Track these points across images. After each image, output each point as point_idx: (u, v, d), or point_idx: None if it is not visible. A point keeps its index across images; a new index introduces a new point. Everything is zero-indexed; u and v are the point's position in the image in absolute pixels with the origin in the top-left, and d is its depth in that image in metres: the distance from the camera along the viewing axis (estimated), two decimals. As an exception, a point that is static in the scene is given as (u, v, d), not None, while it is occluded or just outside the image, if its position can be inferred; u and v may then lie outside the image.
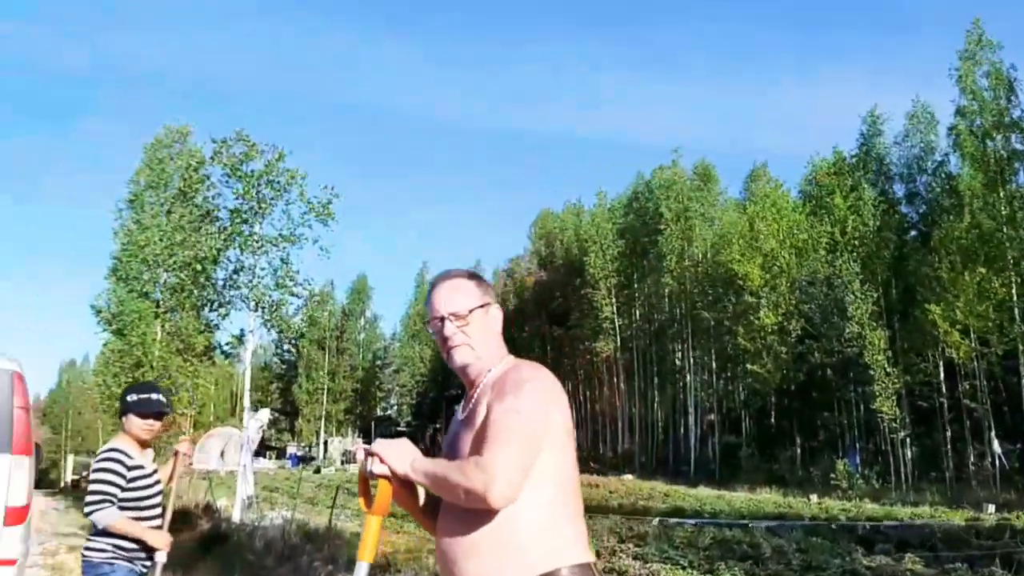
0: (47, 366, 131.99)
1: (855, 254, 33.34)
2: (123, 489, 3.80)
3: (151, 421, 3.96)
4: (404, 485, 2.00)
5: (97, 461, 3.85)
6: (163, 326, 21.58)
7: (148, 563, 3.94)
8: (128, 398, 3.99)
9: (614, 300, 48.67)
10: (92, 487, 3.78)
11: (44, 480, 41.34)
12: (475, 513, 1.84)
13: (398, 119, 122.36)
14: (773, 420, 39.69)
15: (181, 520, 14.44)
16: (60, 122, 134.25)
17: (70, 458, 52.34)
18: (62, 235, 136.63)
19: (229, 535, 12.02)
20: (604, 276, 48.13)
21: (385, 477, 1.95)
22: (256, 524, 12.18)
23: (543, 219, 60.81)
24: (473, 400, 2.01)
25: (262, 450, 57.88)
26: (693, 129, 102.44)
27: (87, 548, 3.83)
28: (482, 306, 2.07)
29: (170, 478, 4.38)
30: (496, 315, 2.11)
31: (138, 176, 24.81)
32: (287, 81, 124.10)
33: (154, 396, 4.01)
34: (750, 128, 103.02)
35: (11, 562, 4.69)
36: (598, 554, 11.86)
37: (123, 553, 3.78)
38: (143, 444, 4.01)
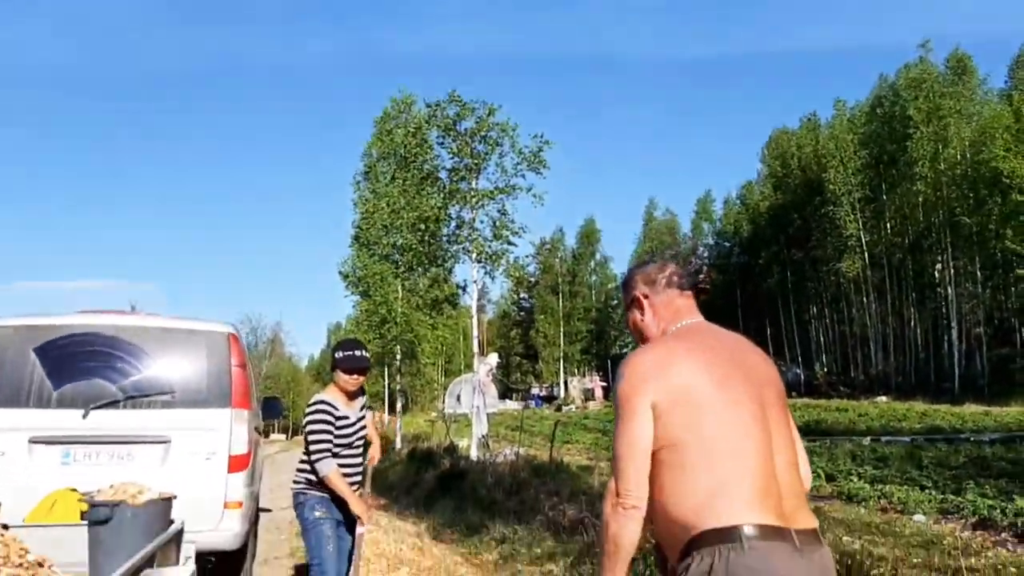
0: (319, 330, 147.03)
1: None
2: (335, 436, 4.24)
3: (355, 376, 4.35)
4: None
5: (309, 414, 4.27)
6: (403, 284, 22.71)
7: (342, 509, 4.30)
8: (335, 355, 4.40)
9: (859, 215, 45.29)
10: (312, 438, 4.21)
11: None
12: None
13: (617, 61, 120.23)
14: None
15: (425, 461, 15.81)
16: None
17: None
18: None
19: (466, 472, 12.70)
20: (846, 191, 44.96)
21: None
22: (490, 461, 12.91)
23: (776, 139, 57.13)
24: None
25: (508, 392, 61.36)
26: (942, 19, 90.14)
27: (293, 482, 4.39)
28: (628, 306, 2.23)
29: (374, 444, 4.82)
30: (636, 310, 2.19)
31: (370, 148, 26.46)
32: (504, 42, 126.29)
33: (357, 353, 4.37)
34: (1013, 4, 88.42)
35: (237, 504, 5.06)
36: (831, 478, 11.30)
37: (314, 485, 4.25)
38: (349, 395, 4.40)
